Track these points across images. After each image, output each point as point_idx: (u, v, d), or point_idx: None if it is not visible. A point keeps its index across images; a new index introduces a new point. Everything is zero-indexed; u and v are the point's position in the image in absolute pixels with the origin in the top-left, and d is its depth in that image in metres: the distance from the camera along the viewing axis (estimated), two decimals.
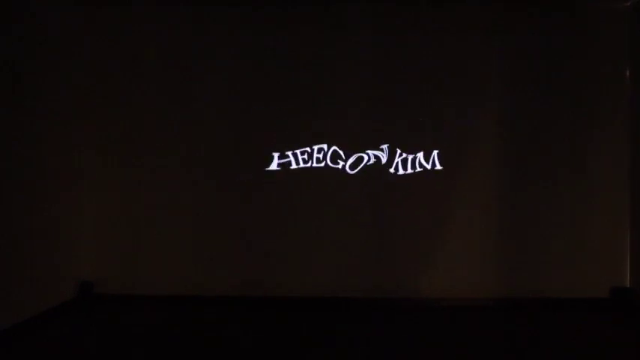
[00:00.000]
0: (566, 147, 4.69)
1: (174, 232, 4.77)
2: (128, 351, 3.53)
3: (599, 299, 4.63)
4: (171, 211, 4.77)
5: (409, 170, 4.68)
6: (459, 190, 4.70)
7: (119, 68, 4.77)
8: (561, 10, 4.68)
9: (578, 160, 4.69)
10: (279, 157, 4.69)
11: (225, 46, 4.77)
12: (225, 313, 4.42)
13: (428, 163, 4.67)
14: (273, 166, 4.70)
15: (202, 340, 3.74)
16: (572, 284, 4.64)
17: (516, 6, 4.69)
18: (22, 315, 3.86)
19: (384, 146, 4.67)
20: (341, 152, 4.69)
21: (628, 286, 4.64)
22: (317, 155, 4.70)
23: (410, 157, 4.68)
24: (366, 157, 4.67)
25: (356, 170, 4.68)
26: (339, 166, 4.69)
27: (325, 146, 4.70)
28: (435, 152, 4.67)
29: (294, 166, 4.71)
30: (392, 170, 4.69)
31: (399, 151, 4.68)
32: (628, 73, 4.67)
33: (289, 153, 4.70)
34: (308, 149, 4.70)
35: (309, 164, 4.70)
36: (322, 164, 4.70)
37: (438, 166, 4.67)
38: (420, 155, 4.67)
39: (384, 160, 4.66)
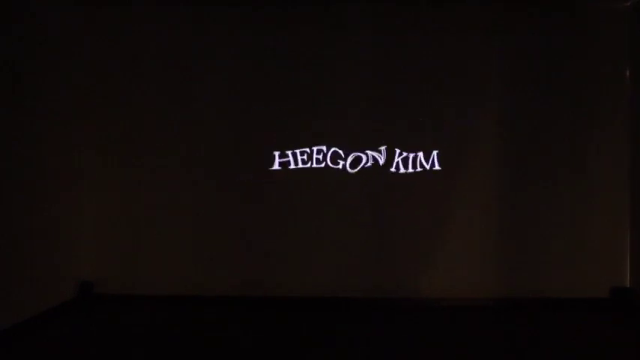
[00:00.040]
0: (566, 147, 4.69)
1: (174, 232, 4.77)
2: (128, 351, 3.53)
3: (599, 299, 4.63)
4: (171, 211, 4.77)
5: (409, 170, 4.68)
6: (459, 190, 4.70)
7: (119, 68, 4.77)
8: (561, 10, 4.68)
9: (578, 160, 4.69)
10: (280, 156, 4.69)
11: (225, 46, 4.77)
12: (225, 313, 4.42)
13: (428, 163, 4.67)
14: (275, 166, 4.69)
15: (202, 340, 3.74)
16: (572, 284, 4.64)
17: (516, 6, 4.69)
18: (22, 315, 3.86)
19: (382, 148, 4.66)
20: (341, 152, 4.69)
21: (628, 286, 4.64)
22: (317, 156, 4.70)
23: (410, 156, 4.67)
24: (364, 157, 4.67)
25: (356, 169, 4.67)
26: (339, 166, 4.69)
27: (324, 148, 4.69)
28: (435, 152, 4.67)
29: (292, 166, 4.70)
30: (392, 169, 4.68)
31: (398, 151, 4.68)
32: (628, 73, 4.67)
33: (289, 152, 4.70)
34: (307, 150, 4.70)
35: (308, 165, 4.70)
36: (322, 165, 4.70)
37: (438, 167, 4.67)
38: (421, 155, 4.67)
39: (381, 161, 4.66)
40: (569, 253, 4.66)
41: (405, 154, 4.68)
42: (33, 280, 4.01)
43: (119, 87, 4.79)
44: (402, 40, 4.72)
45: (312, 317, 4.33)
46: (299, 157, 4.69)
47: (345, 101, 4.72)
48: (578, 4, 4.68)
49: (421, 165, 4.67)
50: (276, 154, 4.70)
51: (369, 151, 4.68)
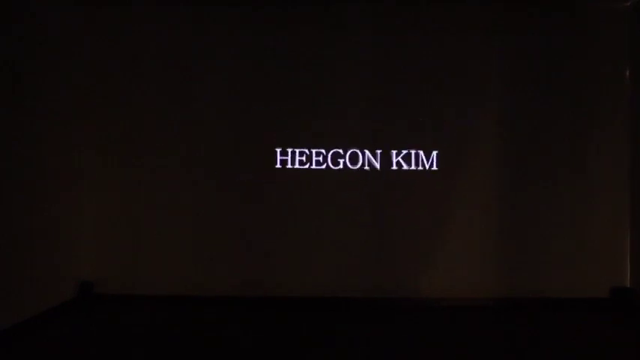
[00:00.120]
0: (566, 147, 4.69)
1: (174, 232, 4.77)
2: (128, 351, 3.53)
3: (599, 299, 4.63)
4: (171, 211, 4.77)
5: (412, 167, 4.67)
6: (459, 190, 4.70)
7: (119, 68, 4.77)
8: (561, 10, 4.68)
9: (578, 160, 4.69)
10: (282, 154, 4.69)
11: (225, 46, 4.77)
12: (225, 313, 4.42)
13: (427, 162, 4.67)
14: (277, 164, 4.69)
15: (202, 340, 3.74)
16: (572, 284, 4.65)
17: (516, 6, 4.69)
18: (22, 315, 3.86)
19: (378, 152, 4.66)
20: (340, 150, 4.69)
21: (628, 286, 4.64)
22: (316, 158, 4.70)
23: (412, 152, 4.67)
24: (360, 155, 4.66)
25: (357, 166, 4.67)
26: (340, 166, 4.69)
27: (324, 151, 4.69)
28: (435, 152, 4.67)
29: (289, 165, 4.70)
30: (394, 167, 4.68)
31: (395, 152, 4.68)
32: (628, 73, 4.68)
33: (289, 150, 4.70)
34: (307, 151, 4.70)
35: (307, 166, 4.70)
36: (323, 166, 4.70)
37: (438, 167, 4.67)
38: (421, 153, 4.67)
39: (377, 165, 4.66)
40: (569, 253, 4.66)
41: (404, 152, 4.67)
42: (33, 280, 4.01)
43: (119, 87, 4.79)
44: (402, 40, 4.72)
45: (312, 317, 4.33)
46: (297, 158, 4.69)
47: (345, 101, 4.72)
48: (578, 4, 4.68)
49: (422, 164, 4.67)
50: (278, 150, 4.69)
51: (367, 152, 4.67)
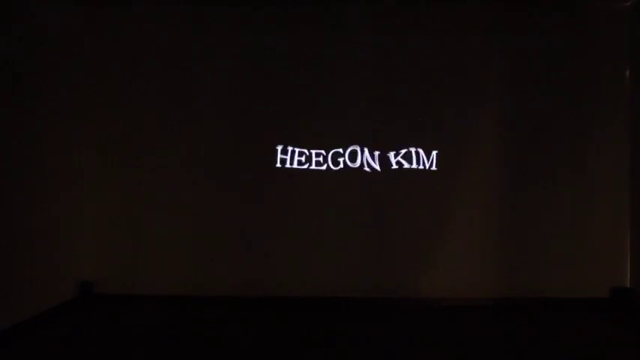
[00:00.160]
0: (566, 147, 4.69)
1: (174, 232, 4.77)
2: (128, 351, 3.53)
3: (599, 299, 4.63)
4: (171, 211, 4.76)
5: (413, 165, 4.66)
6: (459, 190, 4.70)
7: (119, 68, 4.77)
8: (561, 10, 4.68)
9: (578, 160, 4.69)
10: (282, 152, 4.69)
11: (225, 46, 4.77)
12: (225, 313, 4.42)
13: (427, 162, 4.67)
14: (277, 164, 4.69)
15: (202, 340, 3.74)
16: (572, 284, 4.64)
17: (516, 6, 4.69)
18: (22, 315, 3.86)
19: (376, 153, 4.66)
20: (340, 150, 4.69)
21: (628, 286, 4.64)
22: (316, 159, 4.70)
23: (412, 154, 4.67)
24: (359, 153, 4.65)
25: (356, 163, 4.66)
26: (340, 165, 4.68)
27: (324, 152, 4.69)
28: (435, 152, 4.67)
29: (288, 165, 4.70)
30: (393, 167, 4.68)
31: (394, 153, 4.68)
32: (628, 73, 4.67)
33: (289, 148, 4.70)
34: (306, 151, 4.70)
35: (305, 166, 4.70)
36: (323, 167, 4.70)
37: (438, 167, 4.66)
38: (421, 153, 4.67)
39: (377, 166, 4.66)
40: (569, 253, 4.66)
41: (404, 152, 4.67)
42: (33, 280, 4.01)
43: (119, 87, 4.78)
44: (402, 40, 4.72)
45: (312, 317, 4.33)
46: (297, 158, 4.69)
47: (345, 101, 4.72)
48: (578, 4, 4.68)
49: (422, 164, 4.67)
50: (279, 148, 4.68)
51: (366, 151, 4.67)
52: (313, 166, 4.70)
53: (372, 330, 4.01)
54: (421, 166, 4.68)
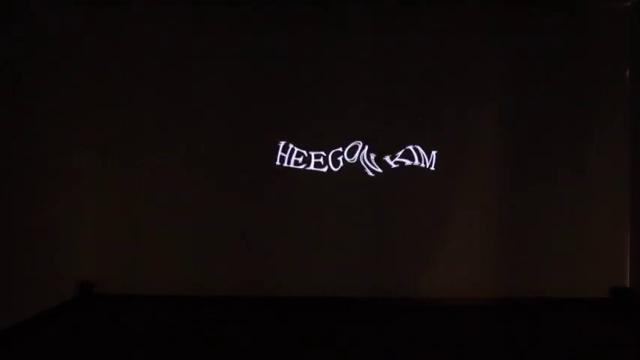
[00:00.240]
0: (566, 147, 4.69)
1: (174, 232, 4.77)
2: (128, 351, 3.53)
3: (599, 299, 4.63)
4: (171, 211, 4.77)
5: (411, 167, 4.66)
6: (459, 190, 4.70)
7: (119, 68, 4.77)
8: (561, 10, 4.68)
9: (578, 160, 4.69)
10: (282, 150, 4.69)
11: (225, 46, 4.77)
12: (225, 313, 4.42)
13: (427, 162, 4.67)
14: (277, 162, 4.69)
15: (202, 340, 3.74)
16: (572, 284, 4.65)
17: (516, 6, 4.69)
18: (22, 315, 3.86)
19: (372, 156, 4.66)
20: (340, 149, 4.69)
21: (628, 286, 4.64)
22: (316, 160, 4.70)
23: (412, 154, 4.67)
24: (360, 147, 4.65)
25: (354, 158, 4.66)
26: (341, 164, 4.68)
27: (324, 152, 4.69)
28: (435, 152, 4.67)
29: (290, 165, 4.70)
30: (393, 168, 4.68)
31: (394, 153, 4.68)
32: (628, 73, 4.67)
33: (290, 146, 4.69)
34: (305, 152, 4.69)
35: (302, 166, 4.69)
36: (324, 169, 4.69)
37: (438, 167, 4.66)
38: (421, 153, 4.67)
39: (377, 168, 4.66)
40: (569, 253, 4.66)
41: (404, 152, 4.67)
42: (33, 280, 4.01)
43: (119, 87, 4.79)
44: (402, 40, 4.72)
45: (312, 317, 4.33)
46: (293, 158, 4.68)
47: (345, 101, 4.72)
48: (578, 4, 4.68)
49: (422, 164, 4.66)
50: (281, 144, 4.68)
51: (365, 151, 4.67)
52: (313, 167, 4.70)
53: (372, 330, 4.01)
54: (422, 164, 4.67)
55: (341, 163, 4.70)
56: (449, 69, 4.71)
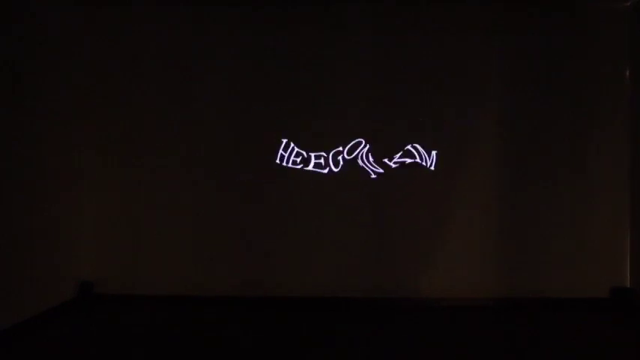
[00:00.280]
0: (566, 147, 4.69)
1: (174, 232, 4.77)
2: (128, 351, 3.53)
3: (599, 299, 4.63)
4: (171, 211, 4.77)
5: (411, 167, 4.66)
6: (459, 190, 4.70)
7: (119, 68, 4.77)
8: (561, 10, 4.68)
9: (578, 160, 4.69)
10: (284, 149, 4.68)
11: (225, 46, 4.77)
12: (225, 313, 4.42)
13: (427, 162, 4.67)
14: (277, 159, 4.69)
15: (202, 340, 3.74)
16: (572, 284, 4.65)
17: (516, 6, 4.69)
18: (22, 315, 3.86)
19: (375, 155, 4.66)
20: (340, 148, 4.69)
21: (628, 286, 4.64)
22: (316, 161, 4.70)
23: (412, 154, 4.67)
24: (363, 144, 4.65)
25: (354, 155, 4.66)
26: (341, 163, 4.68)
27: (324, 153, 4.69)
28: (435, 152, 4.67)
29: (291, 165, 4.70)
30: (393, 168, 4.68)
31: (394, 153, 4.68)
32: (628, 73, 4.67)
33: (291, 144, 4.69)
34: (304, 153, 4.69)
35: (300, 166, 4.69)
36: (325, 171, 4.69)
37: (438, 167, 4.66)
38: (421, 153, 4.67)
39: (377, 169, 4.66)
40: (569, 253, 4.66)
41: (404, 152, 4.67)
42: (33, 280, 4.01)
43: (119, 87, 4.79)
44: (402, 40, 4.72)
45: (312, 317, 4.33)
46: (292, 158, 4.68)
47: (345, 101, 4.72)
48: (578, 4, 4.68)
49: (422, 164, 4.66)
50: (284, 141, 4.67)
51: (366, 150, 4.67)
52: (313, 167, 4.69)
53: (372, 330, 4.01)
54: (420, 167, 4.67)
55: (341, 162, 4.70)
56: (449, 69, 4.71)
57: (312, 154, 4.70)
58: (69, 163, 4.52)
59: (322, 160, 4.71)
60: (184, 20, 4.78)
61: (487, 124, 4.72)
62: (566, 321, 4.26)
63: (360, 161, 4.68)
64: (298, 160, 4.69)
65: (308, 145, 4.70)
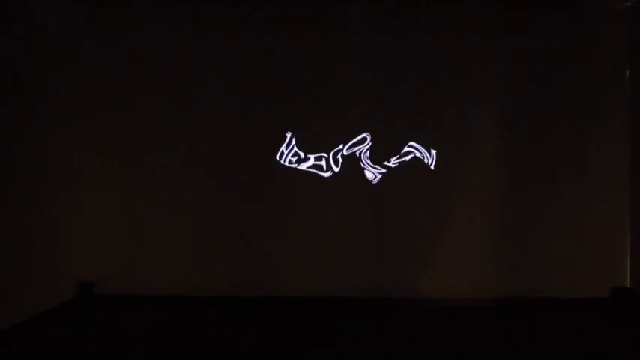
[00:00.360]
0: (566, 147, 4.69)
1: (174, 232, 4.77)
2: (128, 351, 3.53)
3: (599, 299, 4.63)
4: (171, 211, 4.77)
5: (411, 167, 4.66)
6: (459, 190, 4.70)
7: (119, 68, 4.77)
8: (561, 10, 4.68)
9: (578, 160, 4.69)
10: (286, 146, 4.69)
11: (225, 46, 4.77)
12: (225, 313, 4.42)
13: (427, 162, 4.67)
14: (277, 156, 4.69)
15: (202, 340, 3.74)
16: (572, 284, 4.64)
17: (516, 6, 4.69)
18: (22, 315, 3.86)
19: (369, 161, 4.67)
20: (340, 146, 4.69)
21: (628, 286, 4.64)
22: (317, 162, 4.70)
23: (412, 154, 4.67)
24: (367, 139, 4.66)
25: (353, 150, 4.66)
26: (341, 162, 4.68)
27: (325, 154, 4.70)
28: (435, 152, 4.67)
29: (290, 165, 4.70)
30: (393, 167, 4.69)
31: (394, 153, 4.68)
32: (628, 73, 4.67)
33: (292, 144, 4.69)
34: (301, 154, 4.69)
35: (300, 165, 4.69)
36: (326, 174, 4.70)
37: (438, 167, 4.67)
38: (422, 153, 4.67)
39: (379, 170, 4.66)
40: (569, 253, 4.66)
41: (404, 152, 4.68)
42: (33, 280, 4.01)
43: (119, 87, 4.79)
44: (402, 40, 4.72)
45: (312, 317, 4.33)
46: (289, 157, 4.68)
47: (345, 101, 4.72)
48: (578, 4, 4.68)
49: (422, 164, 4.66)
50: (288, 135, 4.67)
51: (370, 166, 4.68)
52: (313, 168, 4.70)
53: (372, 330, 4.01)
54: (420, 167, 4.67)
55: (341, 161, 4.70)
56: (449, 69, 4.71)
57: (312, 155, 4.70)
58: (69, 163, 4.52)
59: (323, 162, 4.70)
60: (184, 20, 4.78)
61: (487, 124, 4.72)
62: (566, 321, 4.26)
63: (361, 159, 4.68)
64: (297, 159, 4.69)
65: (308, 145, 4.70)
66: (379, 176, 4.69)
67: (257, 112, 4.75)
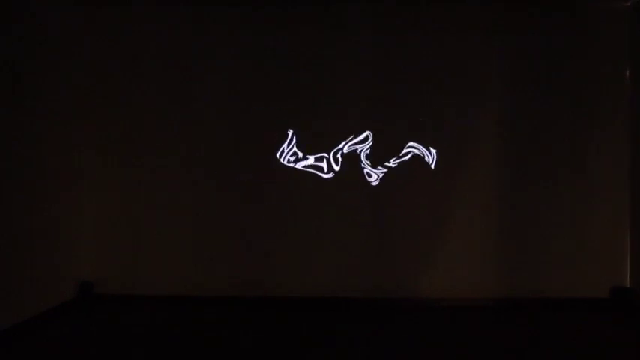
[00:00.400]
0: (566, 147, 4.69)
1: (174, 232, 4.77)
2: (128, 351, 3.53)
3: (599, 299, 4.63)
4: (171, 211, 4.77)
5: (411, 167, 4.66)
6: (459, 190, 4.70)
7: (119, 68, 4.77)
8: (561, 10, 4.68)
9: (578, 160, 4.69)
10: (288, 144, 4.69)
11: (225, 46, 4.77)
12: (225, 313, 4.42)
13: (427, 162, 4.67)
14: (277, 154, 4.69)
15: (202, 340, 3.74)
16: (572, 284, 4.64)
17: (516, 6, 4.69)
18: (22, 315, 3.86)
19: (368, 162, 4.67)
20: (340, 145, 4.69)
21: (628, 286, 4.64)
22: (318, 164, 4.70)
23: (412, 154, 4.67)
24: (369, 138, 4.66)
25: (354, 148, 4.66)
26: (341, 161, 4.68)
27: (325, 154, 4.70)
28: (435, 152, 4.68)
29: (291, 165, 4.71)
30: (393, 168, 4.69)
31: (394, 153, 4.68)
32: (628, 73, 4.67)
33: (292, 143, 4.69)
34: (300, 154, 4.69)
35: (293, 165, 4.69)
36: (328, 175, 4.70)
37: (438, 167, 4.67)
38: (421, 153, 4.67)
39: (381, 170, 4.67)
40: (569, 253, 4.66)
41: (404, 152, 4.68)
42: (33, 280, 4.01)
43: (119, 87, 4.79)
44: (402, 40, 4.72)
45: (312, 317, 4.33)
46: (287, 157, 4.68)
47: (345, 101, 4.72)
48: (578, 4, 4.68)
49: (422, 164, 4.66)
50: (290, 132, 4.67)
51: (370, 167, 4.68)
52: (312, 168, 4.70)
53: (372, 330, 4.01)
54: (420, 167, 4.67)
55: (341, 160, 4.70)
56: (449, 69, 4.71)
57: (313, 156, 4.70)
58: (69, 163, 4.52)
59: (324, 163, 4.70)
60: (184, 20, 4.78)
61: (487, 124, 4.72)
62: (566, 321, 4.26)
63: (361, 159, 4.67)
64: (292, 159, 4.69)
65: (308, 144, 4.70)
66: (380, 175, 4.69)
67: (257, 112, 4.75)
